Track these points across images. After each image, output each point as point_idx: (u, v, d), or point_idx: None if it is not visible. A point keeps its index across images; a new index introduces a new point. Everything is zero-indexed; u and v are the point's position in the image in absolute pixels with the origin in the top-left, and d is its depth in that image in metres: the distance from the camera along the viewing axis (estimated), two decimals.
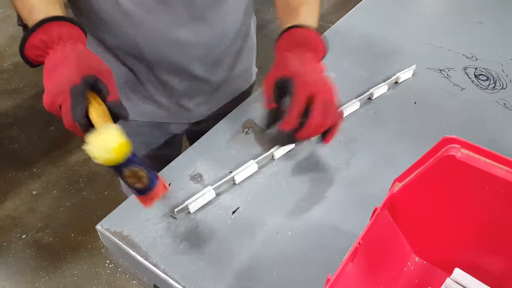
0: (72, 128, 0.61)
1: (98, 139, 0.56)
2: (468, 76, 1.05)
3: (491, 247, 0.59)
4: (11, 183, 2.23)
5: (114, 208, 0.75)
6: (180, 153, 1.14)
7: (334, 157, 0.84)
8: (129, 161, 0.59)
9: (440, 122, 0.92)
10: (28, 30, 0.64)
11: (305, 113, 0.68)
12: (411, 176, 0.58)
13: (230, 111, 0.97)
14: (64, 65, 0.62)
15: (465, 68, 1.08)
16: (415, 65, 1.06)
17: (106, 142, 0.56)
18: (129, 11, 0.79)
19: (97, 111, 0.60)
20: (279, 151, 0.83)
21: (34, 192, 2.19)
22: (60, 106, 0.60)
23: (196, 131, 1.13)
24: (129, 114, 0.64)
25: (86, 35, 0.69)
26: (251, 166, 0.80)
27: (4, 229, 2.03)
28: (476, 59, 1.11)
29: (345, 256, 0.52)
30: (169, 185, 0.78)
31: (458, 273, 0.59)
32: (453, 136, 0.51)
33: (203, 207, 0.75)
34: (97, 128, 0.57)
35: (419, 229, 0.63)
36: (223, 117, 0.95)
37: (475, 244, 0.60)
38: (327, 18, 3.63)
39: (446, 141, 0.52)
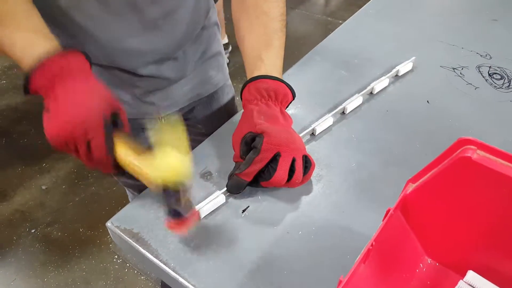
0: (101, 162, 0.63)
1: (164, 162, 0.60)
2: (482, 74, 1.04)
3: (506, 250, 0.58)
4: (20, 178, 2.24)
5: (123, 203, 0.75)
6: None
7: (346, 157, 0.83)
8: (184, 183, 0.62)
9: (453, 121, 0.91)
10: (38, 59, 0.63)
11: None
12: (425, 177, 0.57)
13: (208, 95, 1.03)
14: (91, 96, 0.63)
15: (479, 67, 1.06)
16: (414, 57, 1.05)
17: (181, 166, 0.60)
18: (80, 22, 0.78)
19: (122, 145, 0.64)
20: None
21: (43, 187, 2.20)
22: (82, 142, 0.61)
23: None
24: None
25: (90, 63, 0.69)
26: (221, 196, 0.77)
27: (13, 223, 2.04)
28: (490, 58, 1.09)
29: (357, 258, 0.52)
30: None
31: (471, 275, 0.58)
32: (469, 137, 0.50)
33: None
34: (156, 154, 0.61)
35: (432, 231, 0.62)
36: (197, 108, 0.97)
37: (489, 246, 0.59)
38: (337, 14, 3.62)
39: (462, 142, 0.51)
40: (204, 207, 0.72)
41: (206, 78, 1.06)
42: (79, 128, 0.61)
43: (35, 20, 0.68)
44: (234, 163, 0.79)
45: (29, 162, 2.16)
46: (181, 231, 0.66)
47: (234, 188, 0.75)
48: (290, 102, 0.82)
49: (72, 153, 0.65)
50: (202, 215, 0.72)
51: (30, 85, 0.64)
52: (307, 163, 0.75)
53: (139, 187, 1.21)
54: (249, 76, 0.80)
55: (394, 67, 1.03)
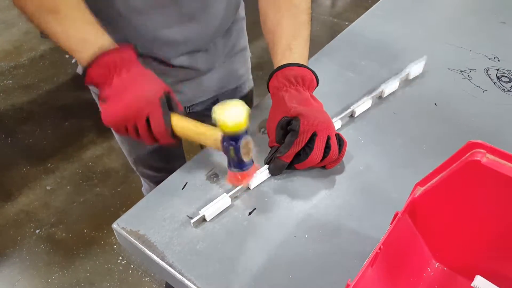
0: (162, 134, 0.71)
1: (233, 110, 0.67)
2: (490, 77, 1.03)
3: None
4: (25, 178, 2.24)
5: (128, 204, 0.75)
6: (180, 151, 1.15)
7: (353, 159, 0.83)
8: (246, 132, 0.69)
9: (461, 124, 0.90)
10: (95, 53, 0.70)
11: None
12: (434, 180, 0.56)
13: (233, 88, 1.08)
14: (145, 81, 0.72)
15: (487, 70, 1.05)
16: (425, 56, 1.04)
17: (240, 112, 0.67)
18: (122, 13, 0.82)
19: (177, 117, 0.72)
20: None
21: (48, 187, 2.20)
22: (147, 117, 0.69)
23: (197, 119, 1.15)
24: None
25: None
26: (266, 171, 0.79)
27: (18, 224, 2.04)
28: (499, 60, 1.08)
29: (365, 261, 0.51)
30: (186, 184, 0.78)
31: (479, 280, 0.58)
32: (479, 141, 0.50)
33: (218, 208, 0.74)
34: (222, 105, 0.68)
35: (440, 235, 0.62)
36: (221, 100, 0.97)
37: (497, 251, 0.59)
38: (344, 16, 3.61)
39: (471, 146, 0.51)
40: (209, 210, 0.72)
41: (233, 71, 1.11)
42: (138, 107, 0.69)
43: (86, 12, 0.73)
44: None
45: (34, 163, 2.17)
46: (241, 183, 0.75)
47: (277, 170, 0.79)
48: (315, 88, 0.85)
49: (131, 134, 0.72)
50: (208, 218, 0.72)
51: (86, 76, 0.71)
52: (340, 141, 0.78)
53: (156, 178, 1.23)
54: (277, 65, 0.83)
55: (402, 70, 1.02)
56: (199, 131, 0.72)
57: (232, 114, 0.67)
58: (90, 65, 0.70)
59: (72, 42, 0.71)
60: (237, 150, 0.69)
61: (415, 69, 1.02)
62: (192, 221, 0.70)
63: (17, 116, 1.91)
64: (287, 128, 0.78)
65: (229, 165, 0.72)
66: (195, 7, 0.86)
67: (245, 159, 0.70)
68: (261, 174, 0.78)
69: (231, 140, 0.68)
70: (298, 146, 0.75)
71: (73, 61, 1.07)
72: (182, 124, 0.72)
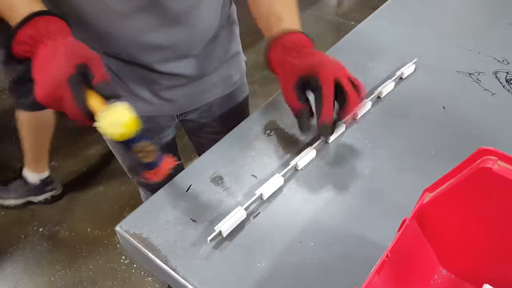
0: (78, 117, 0.63)
1: (109, 115, 0.61)
2: (499, 80, 1.01)
3: None
4: None
5: (131, 204, 0.75)
6: (177, 156, 1.14)
7: (359, 164, 0.82)
8: (138, 137, 0.64)
9: (469, 128, 0.89)
10: (15, 26, 0.64)
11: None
12: (443, 186, 0.55)
13: (227, 94, 1.06)
14: (56, 58, 0.63)
15: (495, 72, 1.04)
16: (416, 59, 1.04)
17: (118, 118, 0.60)
18: (102, 16, 0.79)
19: (94, 97, 0.63)
20: (302, 161, 0.80)
21: None
22: (60, 99, 0.62)
23: (191, 126, 1.17)
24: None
25: (70, 29, 0.69)
26: (278, 180, 0.76)
27: (22, 221, 2.05)
28: (508, 63, 1.07)
29: (372, 268, 0.50)
30: (190, 187, 0.77)
31: None
32: (490, 148, 0.49)
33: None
34: (103, 109, 0.61)
35: (448, 242, 0.61)
36: (214, 107, 0.99)
37: (506, 260, 0.58)
38: (350, 16, 3.60)
39: (482, 152, 0.50)
40: (225, 225, 0.69)
41: (227, 78, 1.08)
42: (50, 90, 0.62)
43: None
44: (245, 169, 0.79)
45: None
46: (158, 177, 0.69)
47: (328, 131, 0.76)
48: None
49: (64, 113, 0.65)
50: (225, 234, 0.69)
51: (13, 44, 0.66)
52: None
53: (152, 187, 1.23)
54: (269, 33, 0.82)
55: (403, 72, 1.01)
56: (97, 125, 0.64)
57: (113, 123, 0.61)
58: (20, 27, 0.64)
59: (6, 7, 0.67)
60: (133, 156, 0.65)
61: (407, 71, 1.02)
62: (209, 238, 0.67)
63: None
64: (305, 89, 0.77)
65: (136, 167, 0.69)
66: (180, 9, 0.83)
67: (148, 160, 0.66)
68: (278, 180, 0.75)
69: (124, 144, 0.64)
70: (330, 98, 0.73)
71: None
72: (94, 108, 0.63)
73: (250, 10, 0.89)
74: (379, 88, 0.95)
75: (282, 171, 0.77)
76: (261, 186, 0.74)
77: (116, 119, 0.60)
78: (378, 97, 0.96)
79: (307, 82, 0.75)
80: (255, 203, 0.74)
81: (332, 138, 0.85)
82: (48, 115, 1.89)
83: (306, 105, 0.77)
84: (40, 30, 0.64)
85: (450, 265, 0.63)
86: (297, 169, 0.80)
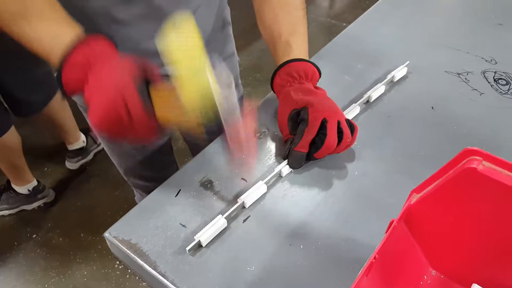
0: (143, 124, 0.61)
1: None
2: (487, 80, 1.02)
3: (511, 263, 0.56)
4: None
5: (125, 208, 0.74)
6: (171, 158, 1.14)
7: (348, 165, 0.82)
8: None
9: (458, 128, 0.89)
10: (65, 51, 0.62)
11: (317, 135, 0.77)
12: (430, 187, 0.55)
13: None
14: (114, 69, 0.62)
15: (484, 72, 1.04)
16: (408, 61, 1.04)
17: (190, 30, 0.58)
18: (104, 25, 0.80)
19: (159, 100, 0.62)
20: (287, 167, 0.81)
21: None
22: (125, 104, 0.59)
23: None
24: None
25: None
26: (261, 187, 0.75)
27: (14, 228, 2.03)
28: (496, 63, 1.07)
29: (360, 271, 0.50)
30: (179, 192, 0.77)
31: None
32: (475, 148, 0.49)
33: None
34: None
35: (437, 242, 0.61)
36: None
37: (494, 259, 0.58)
38: (342, 17, 3.60)
39: (467, 153, 0.50)
40: (206, 233, 0.68)
41: None
42: (113, 99, 0.59)
43: (58, 9, 0.67)
44: (235, 171, 0.80)
45: (30, 167, 2.14)
46: (244, 149, 0.66)
47: (296, 163, 0.79)
48: (318, 80, 0.88)
49: (122, 133, 0.63)
50: (204, 243, 0.68)
51: (64, 84, 0.64)
52: (351, 126, 0.79)
53: (149, 188, 1.23)
54: (278, 62, 0.86)
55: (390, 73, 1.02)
56: (182, 118, 0.62)
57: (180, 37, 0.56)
58: (63, 67, 0.63)
59: (45, 43, 0.65)
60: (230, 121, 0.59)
61: (399, 72, 1.02)
62: (188, 248, 0.67)
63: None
64: (297, 120, 0.80)
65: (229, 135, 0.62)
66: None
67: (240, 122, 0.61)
68: (258, 190, 0.75)
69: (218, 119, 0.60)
70: (310, 134, 0.76)
71: None
72: (164, 108, 0.63)
73: (260, 30, 0.93)
74: (368, 92, 0.95)
75: (269, 175, 0.77)
76: (244, 194, 0.74)
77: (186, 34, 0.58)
78: (368, 101, 0.96)
79: (299, 114, 0.79)
80: (239, 209, 0.74)
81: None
82: (13, 135, 1.87)
83: (294, 135, 0.80)
84: (95, 51, 0.63)
85: (439, 265, 0.63)
86: (286, 172, 0.80)
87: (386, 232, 0.55)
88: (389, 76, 1.00)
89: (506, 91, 0.99)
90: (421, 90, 1.00)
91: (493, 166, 0.48)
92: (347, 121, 0.79)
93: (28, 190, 2.03)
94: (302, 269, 0.66)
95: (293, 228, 0.71)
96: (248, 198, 0.73)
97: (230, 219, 0.72)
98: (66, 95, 0.66)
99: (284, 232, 0.70)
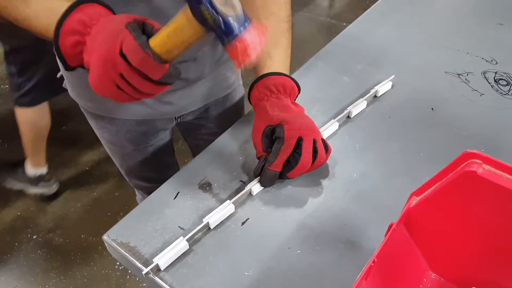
0: (144, 62, 0.56)
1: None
2: (487, 80, 1.02)
3: (511, 266, 0.56)
4: None
5: (125, 209, 0.74)
6: (173, 159, 1.13)
7: (347, 167, 0.81)
8: None
9: (458, 129, 0.89)
10: (61, 17, 0.60)
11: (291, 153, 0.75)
12: (429, 190, 0.55)
13: (224, 95, 1.06)
14: (109, 22, 0.59)
15: (484, 73, 1.04)
16: (393, 76, 1.01)
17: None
18: None
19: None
20: None
21: None
22: (121, 49, 0.56)
23: (187, 128, 1.18)
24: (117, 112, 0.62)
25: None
26: (228, 207, 0.73)
27: (15, 229, 2.03)
28: (496, 63, 1.07)
29: (359, 274, 0.50)
30: (178, 194, 0.76)
31: None
32: (475, 151, 0.48)
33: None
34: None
35: (436, 245, 0.61)
36: (211, 108, 1.00)
37: (493, 262, 0.58)
38: (342, 17, 3.60)
39: (467, 156, 0.49)
40: (212, 218, 0.69)
41: (222, 79, 1.09)
42: (108, 41, 0.57)
43: None
44: (233, 175, 0.79)
45: None
46: (242, 58, 0.57)
47: (268, 182, 0.77)
48: (297, 96, 0.85)
49: (122, 85, 0.59)
50: (163, 267, 0.66)
51: (64, 55, 0.62)
52: (325, 146, 0.78)
53: (150, 189, 1.23)
54: (259, 73, 0.83)
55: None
56: (174, 29, 0.58)
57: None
58: (59, 35, 0.60)
59: (42, 18, 0.63)
60: (209, 4, 0.52)
61: (383, 89, 0.99)
62: (144, 272, 0.64)
63: (14, 121, 1.92)
64: (272, 137, 0.77)
65: (220, 37, 0.55)
66: None
67: (229, 12, 0.54)
68: (225, 209, 0.72)
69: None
70: (285, 153, 0.74)
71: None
72: (159, 40, 0.58)
73: None
74: (349, 108, 0.92)
75: (238, 194, 0.75)
76: (208, 215, 0.71)
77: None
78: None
79: (274, 131, 0.77)
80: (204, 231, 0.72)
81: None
82: (45, 116, 1.93)
83: (268, 152, 0.77)
84: (91, 14, 0.61)
85: (439, 268, 0.63)
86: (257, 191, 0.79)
87: (385, 235, 0.55)
88: (372, 91, 0.97)
89: (507, 92, 0.98)
90: (421, 91, 0.99)
91: (493, 169, 0.48)
92: (322, 140, 0.77)
93: (36, 175, 2.07)
94: (301, 272, 0.65)
95: (292, 230, 0.71)
96: (212, 218, 0.71)
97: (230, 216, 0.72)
98: (68, 68, 0.64)
99: (282, 235, 0.70)
